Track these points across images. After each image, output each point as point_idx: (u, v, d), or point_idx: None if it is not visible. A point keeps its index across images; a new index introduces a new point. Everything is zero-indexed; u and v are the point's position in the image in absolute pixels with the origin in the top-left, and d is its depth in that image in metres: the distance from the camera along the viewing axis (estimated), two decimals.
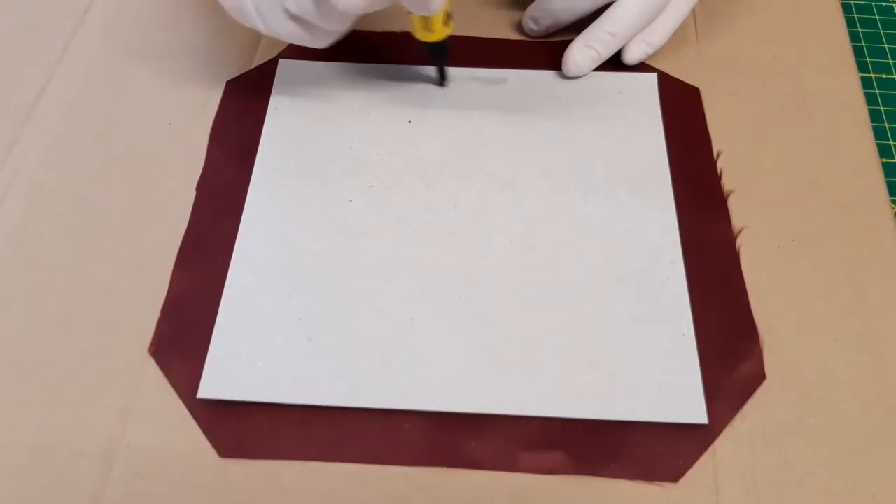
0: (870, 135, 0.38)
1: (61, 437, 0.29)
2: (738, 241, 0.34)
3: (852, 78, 0.40)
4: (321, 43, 0.36)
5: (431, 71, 0.40)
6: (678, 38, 0.41)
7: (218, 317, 0.32)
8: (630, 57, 0.39)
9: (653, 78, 0.39)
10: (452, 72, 0.40)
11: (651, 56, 0.39)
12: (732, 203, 0.35)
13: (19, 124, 0.37)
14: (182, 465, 0.29)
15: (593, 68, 0.39)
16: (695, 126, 0.38)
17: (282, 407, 0.30)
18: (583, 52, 0.38)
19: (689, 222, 0.35)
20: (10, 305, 0.32)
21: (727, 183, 0.36)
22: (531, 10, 0.41)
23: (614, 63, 0.40)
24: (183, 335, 0.31)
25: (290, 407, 0.30)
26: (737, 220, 0.35)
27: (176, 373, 0.31)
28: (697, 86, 0.39)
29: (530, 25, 0.41)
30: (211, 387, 0.30)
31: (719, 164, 0.37)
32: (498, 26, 0.42)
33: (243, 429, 0.29)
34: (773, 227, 0.35)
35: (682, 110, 0.39)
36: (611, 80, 0.39)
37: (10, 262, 0.33)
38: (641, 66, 0.40)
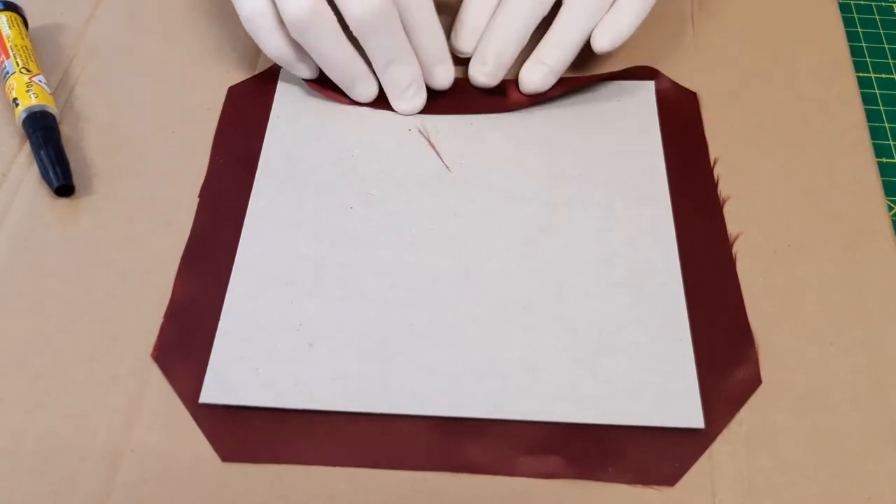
0: (867, 140, 0.38)
1: (66, 443, 0.29)
2: (735, 248, 0.35)
3: (849, 83, 0.40)
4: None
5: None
6: (676, 42, 0.42)
7: (220, 322, 0.32)
8: (599, 45, 0.37)
9: (650, 86, 0.40)
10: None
11: (628, 44, 0.38)
12: (729, 209, 0.36)
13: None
14: (185, 469, 0.29)
15: (553, 81, 0.38)
16: (692, 132, 0.38)
17: (283, 412, 0.30)
18: (533, 70, 0.38)
19: (685, 228, 0.35)
20: (14, 311, 0.32)
21: (724, 189, 0.36)
22: (476, 65, 0.39)
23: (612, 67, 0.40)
24: (186, 340, 0.32)
25: (292, 412, 0.30)
26: (733, 227, 0.35)
27: (179, 378, 0.31)
28: (695, 91, 0.40)
29: (481, 80, 0.39)
30: (212, 392, 0.30)
31: (716, 171, 0.37)
32: None
33: (245, 433, 0.30)
34: (770, 233, 0.35)
35: (680, 116, 0.39)
36: (608, 88, 0.40)
37: (14, 269, 0.34)
38: (640, 72, 0.40)
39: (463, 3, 0.39)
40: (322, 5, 0.35)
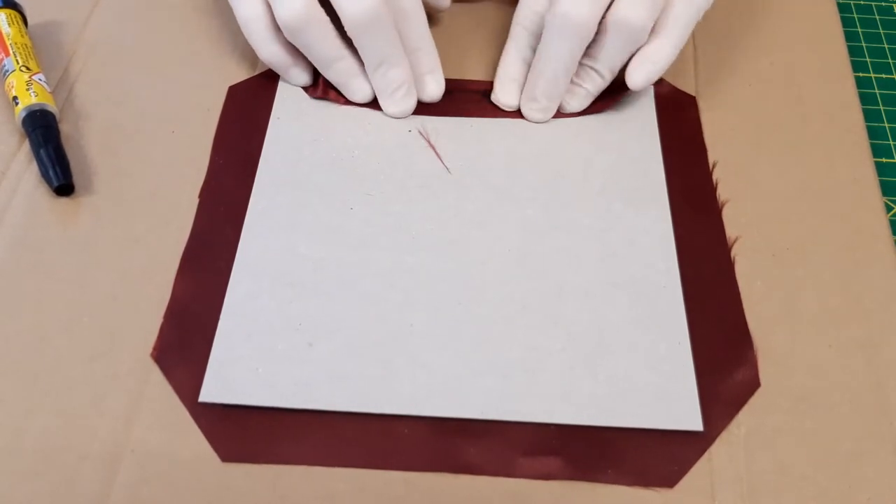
0: (865, 143, 0.38)
1: (66, 442, 0.29)
2: (734, 250, 0.35)
3: (848, 86, 0.40)
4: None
5: None
6: None
7: (220, 322, 0.32)
8: (634, 82, 0.36)
9: (649, 90, 0.40)
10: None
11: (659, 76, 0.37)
12: (728, 213, 0.36)
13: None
14: (185, 469, 0.29)
15: (589, 102, 0.38)
16: (691, 136, 0.38)
17: (283, 412, 0.30)
18: (573, 92, 0.38)
19: (684, 231, 0.35)
20: (14, 311, 0.32)
21: (722, 193, 0.36)
22: (527, 102, 0.38)
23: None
24: (185, 340, 0.32)
25: (291, 412, 0.30)
26: (732, 230, 0.35)
27: (179, 377, 0.31)
28: (694, 94, 0.40)
29: (536, 116, 0.39)
30: (212, 391, 0.30)
31: (715, 175, 0.37)
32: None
33: (245, 434, 0.30)
34: (768, 235, 0.35)
35: (679, 120, 0.39)
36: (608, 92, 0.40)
37: (14, 269, 0.34)
38: None
39: (501, 58, 0.40)
40: (314, 7, 0.35)
